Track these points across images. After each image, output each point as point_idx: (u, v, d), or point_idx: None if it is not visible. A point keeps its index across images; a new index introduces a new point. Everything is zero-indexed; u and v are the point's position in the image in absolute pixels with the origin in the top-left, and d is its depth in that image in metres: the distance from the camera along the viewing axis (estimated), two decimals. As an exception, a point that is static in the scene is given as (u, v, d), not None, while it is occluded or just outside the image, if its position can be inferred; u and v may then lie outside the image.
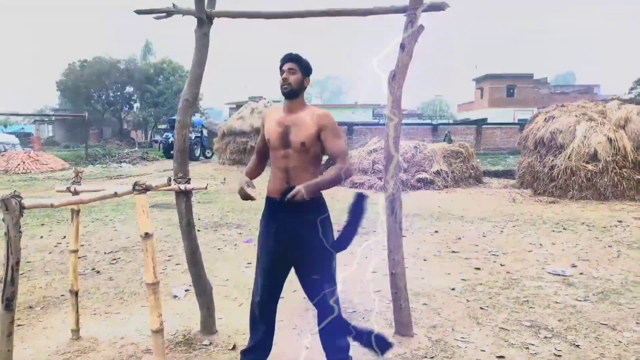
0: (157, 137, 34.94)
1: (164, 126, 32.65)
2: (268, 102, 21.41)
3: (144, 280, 2.57)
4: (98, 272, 4.95)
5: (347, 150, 2.60)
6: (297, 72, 2.56)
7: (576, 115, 10.63)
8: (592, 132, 9.96)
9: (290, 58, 2.59)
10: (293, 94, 2.56)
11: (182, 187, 3.07)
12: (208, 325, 3.38)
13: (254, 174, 2.79)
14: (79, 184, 3.02)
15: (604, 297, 4.10)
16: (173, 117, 26.98)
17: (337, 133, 2.56)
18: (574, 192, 9.71)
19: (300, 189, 2.34)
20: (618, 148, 9.59)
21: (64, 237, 6.46)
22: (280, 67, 2.60)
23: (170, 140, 24.29)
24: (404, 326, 3.32)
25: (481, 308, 3.85)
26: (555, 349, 3.13)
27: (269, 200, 2.64)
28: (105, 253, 5.69)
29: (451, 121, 43.51)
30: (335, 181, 2.48)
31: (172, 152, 25.82)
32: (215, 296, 3.41)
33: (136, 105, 42.28)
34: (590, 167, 9.62)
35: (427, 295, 4.16)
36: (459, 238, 6.46)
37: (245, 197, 2.59)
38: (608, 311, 3.76)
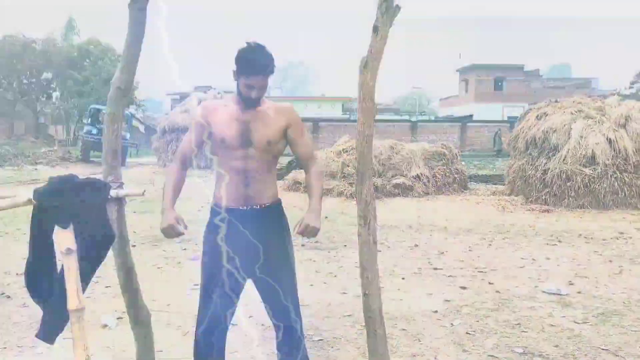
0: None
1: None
2: (218, 93, 21.21)
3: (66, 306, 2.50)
4: (8, 297, 4.80)
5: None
6: (267, 84, 2.56)
7: (572, 112, 10.99)
8: (590, 131, 10.34)
9: (263, 71, 2.49)
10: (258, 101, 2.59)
11: (114, 193, 3.00)
12: (145, 359, 3.32)
13: (178, 191, 2.68)
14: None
15: (605, 319, 4.22)
16: (96, 106, 25.20)
17: (305, 129, 2.68)
18: (570, 199, 10.06)
19: (312, 224, 2.53)
20: (618, 150, 9.87)
21: (-36, 254, 6.26)
22: (246, 78, 2.48)
23: (93, 136, 22.78)
24: (379, 355, 3.35)
25: (467, 333, 3.94)
26: (551, 378, 3.23)
27: (224, 210, 2.56)
28: (17, 274, 5.49)
29: (432, 118, 44.37)
30: None
31: (95, 152, 23.74)
32: (154, 325, 3.34)
33: (56, 94, 40.92)
34: (587, 171, 9.98)
35: (405, 319, 4.22)
36: (442, 253, 6.59)
37: (174, 235, 2.58)
38: (609, 335, 3.87)
